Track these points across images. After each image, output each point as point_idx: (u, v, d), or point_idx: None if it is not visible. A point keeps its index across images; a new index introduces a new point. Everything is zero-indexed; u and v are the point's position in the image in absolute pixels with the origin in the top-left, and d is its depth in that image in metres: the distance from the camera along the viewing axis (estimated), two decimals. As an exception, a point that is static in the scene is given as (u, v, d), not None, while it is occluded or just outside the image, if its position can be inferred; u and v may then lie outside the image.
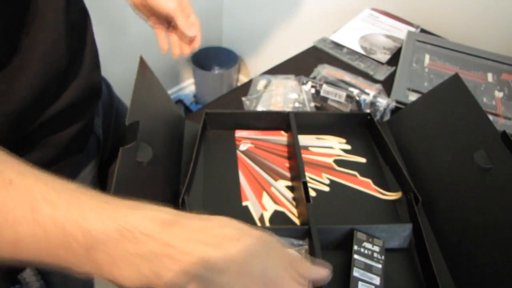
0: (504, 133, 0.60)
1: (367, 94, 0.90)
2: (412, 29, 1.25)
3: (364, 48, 1.14)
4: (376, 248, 0.61)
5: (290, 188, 0.72)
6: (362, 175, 0.75)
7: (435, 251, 0.64)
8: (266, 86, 0.93)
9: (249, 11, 2.08)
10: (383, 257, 0.60)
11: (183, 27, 0.73)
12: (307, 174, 0.75)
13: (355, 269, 0.59)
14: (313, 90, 0.91)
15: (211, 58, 2.28)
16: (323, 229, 0.62)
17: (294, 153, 0.73)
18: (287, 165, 0.76)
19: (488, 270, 0.56)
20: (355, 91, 0.91)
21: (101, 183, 0.74)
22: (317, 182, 0.74)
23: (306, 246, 0.60)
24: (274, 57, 1.11)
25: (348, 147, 0.80)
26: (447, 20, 1.28)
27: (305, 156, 0.78)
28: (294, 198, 0.70)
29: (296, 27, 1.87)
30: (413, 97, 0.93)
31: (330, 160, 0.77)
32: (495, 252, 0.57)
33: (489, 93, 0.98)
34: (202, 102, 2.35)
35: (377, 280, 0.58)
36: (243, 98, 0.88)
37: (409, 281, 0.61)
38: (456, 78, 0.72)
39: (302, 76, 0.95)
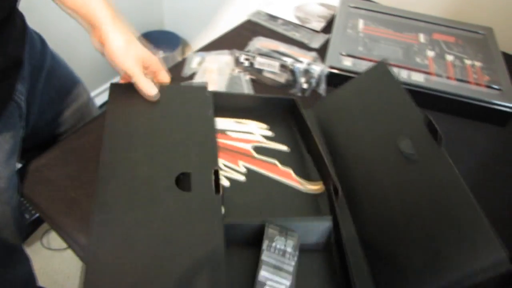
0: (427, 119, 0.57)
1: (301, 62, 0.88)
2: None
3: (298, 18, 1.13)
4: (290, 243, 0.54)
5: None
6: (283, 164, 0.68)
7: (354, 247, 0.58)
8: (200, 63, 0.90)
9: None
10: (296, 253, 0.54)
11: (142, 88, 0.68)
12: (222, 161, 0.67)
13: (261, 271, 0.51)
14: (247, 63, 0.89)
15: (154, 42, 2.18)
16: (232, 225, 0.54)
17: None
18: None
19: (408, 269, 0.51)
20: (289, 60, 0.89)
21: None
22: (232, 171, 0.66)
23: None
24: (217, 35, 1.06)
25: (270, 133, 0.73)
26: None
27: (222, 141, 0.70)
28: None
29: (235, 3, 1.85)
30: (347, 62, 0.92)
31: (248, 147, 0.70)
32: (415, 248, 0.52)
33: (422, 52, 1.01)
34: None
35: (287, 281, 0.51)
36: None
37: (326, 281, 0.55)
38: (381, 65, 0.70)
39: (235, 50, 0.93)
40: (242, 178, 0.66)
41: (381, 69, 0.69)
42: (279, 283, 0.51)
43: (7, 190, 0.68)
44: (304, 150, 0.71)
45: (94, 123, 0.76)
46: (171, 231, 0.51)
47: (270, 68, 0.88)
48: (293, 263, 0.53)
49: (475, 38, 1.07)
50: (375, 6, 1.15)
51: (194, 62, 0.91)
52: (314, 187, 0.65)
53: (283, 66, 0.88)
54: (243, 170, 0.67)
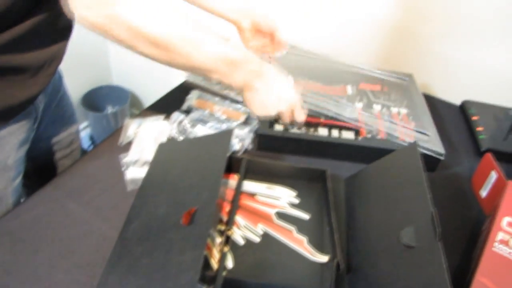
0: (431, 214, 0.63)
1: (233, 124, 0.97)
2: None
3: None
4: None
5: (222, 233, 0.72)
6: (299, 231, 0.75)
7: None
8: (136, 131, 0.93)
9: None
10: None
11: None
12: (244, 221, 0.75)
13: None
14: (182, 128, 0.94)
15: (103, 97, 2.26)
16: (230, 280, 0.63)
17: (233, 198, 0.75)
18: (227, 209, 0.75)
19: None
20: (224, 126, 0.96)
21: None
22: (250, 232, 0.74)
23: None
24: (162, 86, 1.14)
25: (296, 200, 0.81)
26: (316, 35, 1.40)
27: (248, 203, 0.78)
28: (220, 243, 0.69)
29: None
30: (279, 127, 0.95)
31: (272, 211, 0.78)
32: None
33: (351, 104, 1.05)
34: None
35: None
36: (120, 155, 0.87)
37: None
38: (413, 146, 0.76)
39: (172, 114, 0.98)
40: (257, 239, 0.73)
41: (411, 150, 0.76)
42: None
43: (12, 169, 0.82)
44: (325, 221, 0.77)
45: (29, 202, 0.77)
46: (166, 259, 0.60)
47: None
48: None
49: (398, 85, 1.14)
50: (303, 59, 1.20)
51: (130, 130, 0.93)
52: (322, 258, 0.71)
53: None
54: (260, 232, 0.74)
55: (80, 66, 2.09)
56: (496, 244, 0.69)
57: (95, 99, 2.22)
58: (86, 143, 2.29)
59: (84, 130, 2.31)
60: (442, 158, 0.92)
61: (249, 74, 0.77)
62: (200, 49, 0.70)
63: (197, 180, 0.72)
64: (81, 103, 2.15)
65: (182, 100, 1.04)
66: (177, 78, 1.14)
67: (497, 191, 0.81)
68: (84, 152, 2.02)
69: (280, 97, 0.81)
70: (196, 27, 0.69)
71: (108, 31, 0.62)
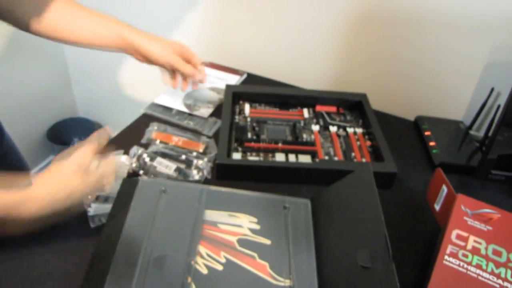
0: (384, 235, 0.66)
1: (192, 155, 0.99)
2: (237, 77, 1.33)
3: (187, 106, 1.16)
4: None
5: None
6: (261, 257, 0.77)
7: None
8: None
9: (96, 75, 2.12)
10: None
11: (185, 71, 1.00)
12: (206, 251, 0.76)
13: None
14: (142, 163, 0.95)
15: (68, 130, 2.26)
16: None
17: (195, 228, 0.78)
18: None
19: None
20: (183, 157, 0.98)
21: None
22: (213, 260, 0.75)
23: None
24: (128, 115, 1.15)
25: (257, 227, 0.82)
26: (271, 62, 1.46)
27: (211, 232, 0.80)
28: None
29: (141, 87, 1.94)
30: (237, 155, 0.98)
31: (234, 239, 0.79)
32: None
33: (308, 127, 1.09)
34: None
35: None
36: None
37: None
38: (366, 167, 0.78)
39: (132, 148, 0.98)
40: (220, 267, 0.74)
41: (365, 172, 0.77)
42: None
43: None
44: (287, 245, 0.78)
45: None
46: None
47: (166, 169, 0.94)
48: None
49: (352, 105, 1.18)
50: (258, 88, 1.22)
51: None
52: (284, 283, 0.73)
53: (178, 168, 0.94)
54: (223, 260, 0.75)
55: (43, 100, 2.09)
56: (446, 257, 0.73)
57: (61, 132, 2.22)
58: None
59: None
60: (396, 175, 0.96)
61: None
62: None
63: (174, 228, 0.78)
64: (47, 136, 2.15)
65: (142, 133, 1.06)
66: (142, 105, 1.16)
67: (448, 204, 0.84)
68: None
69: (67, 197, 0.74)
70: None
71: None
